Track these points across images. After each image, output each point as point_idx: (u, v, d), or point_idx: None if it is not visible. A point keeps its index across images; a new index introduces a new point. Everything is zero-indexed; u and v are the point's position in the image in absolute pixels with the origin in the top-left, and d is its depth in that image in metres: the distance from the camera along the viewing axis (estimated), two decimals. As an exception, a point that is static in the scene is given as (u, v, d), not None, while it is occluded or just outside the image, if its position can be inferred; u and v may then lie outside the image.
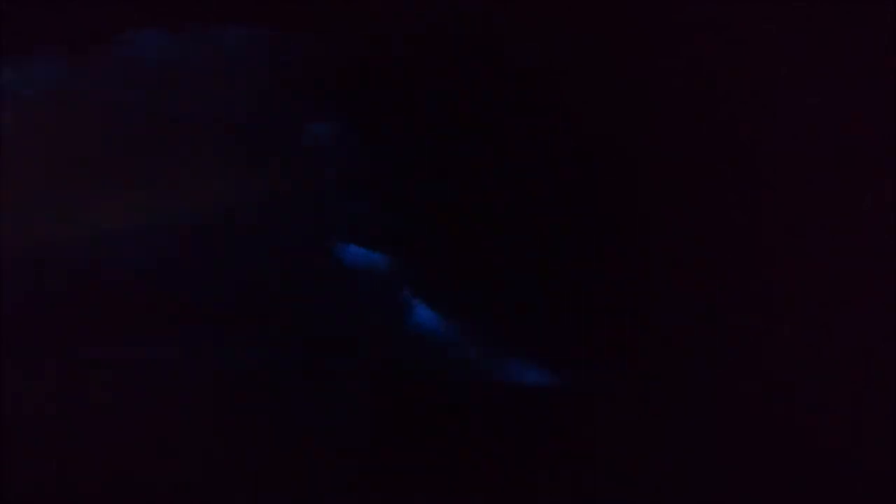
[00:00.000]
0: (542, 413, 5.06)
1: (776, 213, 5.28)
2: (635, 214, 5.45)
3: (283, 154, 5.79)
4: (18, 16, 5.72)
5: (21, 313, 5.20)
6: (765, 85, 5.35)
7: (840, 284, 5.11)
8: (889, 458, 4.66)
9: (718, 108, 5.37)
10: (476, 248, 5.61)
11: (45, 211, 5.42)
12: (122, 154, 5.69)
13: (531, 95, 5.57)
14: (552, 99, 5.56)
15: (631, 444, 4.91)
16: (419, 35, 5.63)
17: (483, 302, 5.49)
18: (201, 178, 5.64)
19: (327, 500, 4.61)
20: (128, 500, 4.50)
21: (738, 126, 5.38)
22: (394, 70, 5.69)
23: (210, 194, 5.58)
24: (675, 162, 5.40)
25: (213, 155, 5.69)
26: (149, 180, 5.65)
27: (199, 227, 5.52)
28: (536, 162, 5.54)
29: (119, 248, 5.35)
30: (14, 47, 5.77)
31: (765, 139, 5.35)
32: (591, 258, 5.46)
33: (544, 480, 4.74)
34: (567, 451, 4.89)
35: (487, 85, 5.57)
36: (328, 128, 5.88)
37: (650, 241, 5.41)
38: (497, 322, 5.44)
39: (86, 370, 4.99)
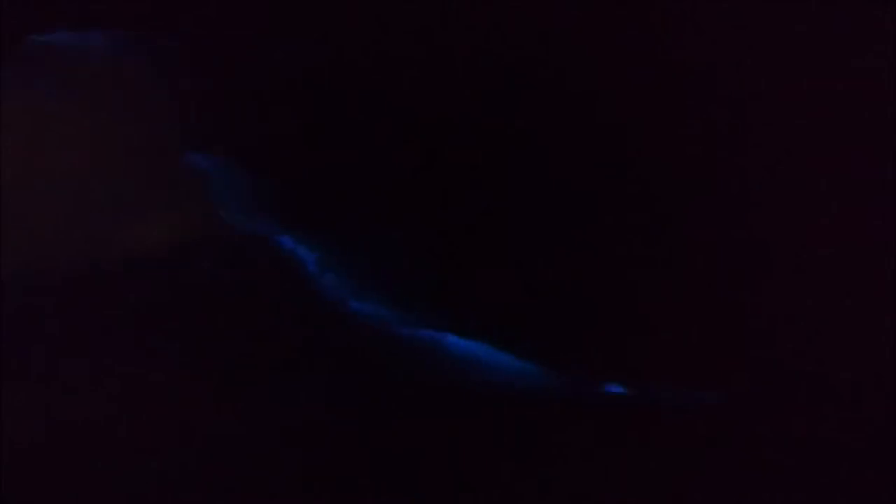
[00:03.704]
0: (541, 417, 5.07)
1: (775, 212, 5.27)
2: (635, 214, 5.45)
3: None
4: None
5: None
6: (764, 84, 5.34)
7: (840, 282, 5.11)
8: (889, 458, 4.65)
9: (718, 107, 5.37)
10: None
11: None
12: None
13: (529, 95, 5.58)
14: (552, 98, 5.57)
15: (631, 447, 4.91)
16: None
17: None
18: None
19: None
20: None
21: (738, 125, 5.38)
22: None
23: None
24: (674, 162, 5.39)
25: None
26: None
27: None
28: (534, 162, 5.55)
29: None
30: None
31: (763, 138, 5.34)
32: (590, 258, 5.46)
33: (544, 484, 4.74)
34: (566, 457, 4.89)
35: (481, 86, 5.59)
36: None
37: (650, 242, 5.40)
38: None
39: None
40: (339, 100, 5.76)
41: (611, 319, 5.42)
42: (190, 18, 5.93)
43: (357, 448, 4.86)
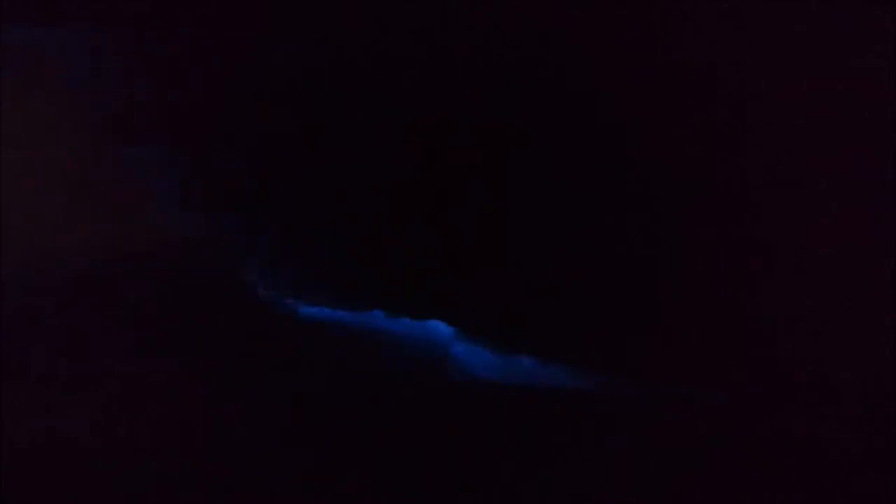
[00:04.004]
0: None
1: (775, 212, 5.28)
2: (635, 214, 5.46)
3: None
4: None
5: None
6: (764, 84, 5.35)
7: (840, 282, 5.12)
8: (889, 458, 4.66)
9: (718, 107, 5.37)
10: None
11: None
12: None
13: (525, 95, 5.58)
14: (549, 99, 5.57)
15: (630, 447, 4.91)
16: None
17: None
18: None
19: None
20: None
21: (738, 125, 5.39)
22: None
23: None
24: (674, 162, 5.40)
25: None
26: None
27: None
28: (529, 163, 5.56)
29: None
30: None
31: (763, 138, 5.35)
32: (590, 258, 5.47)
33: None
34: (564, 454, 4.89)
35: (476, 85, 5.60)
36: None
37: (650, 241, 5.42)
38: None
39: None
40: (339, 100, 5.76)
41: (610, 319, 5.42)
42: (190, 18, 5.93)
43: (357, 448, 4.86)
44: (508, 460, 4.78)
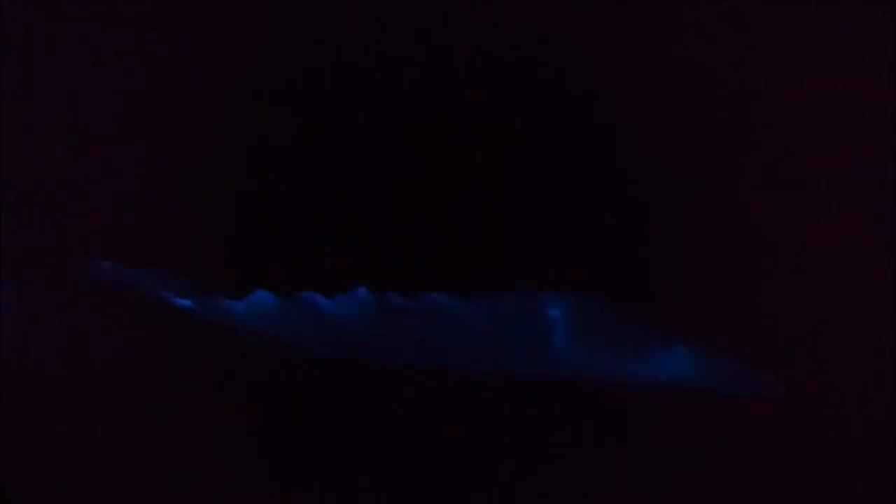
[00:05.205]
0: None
1: (775, 212, 5.28)
2: (635, 214, 5.46)
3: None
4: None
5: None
6: (764, 84, 5.35)
7: (840, 282, 5.12)
8: (889, 458, 4.66)
9: (718, 107, 5.37)
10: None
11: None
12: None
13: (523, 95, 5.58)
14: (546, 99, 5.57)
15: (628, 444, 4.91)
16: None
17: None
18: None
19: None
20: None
21: (738, 125, 5.39)
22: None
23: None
24: (674, 162, 5.40)
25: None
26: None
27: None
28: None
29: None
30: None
31: (763, 138, 5.35)
32: (590, 258, 5.47)
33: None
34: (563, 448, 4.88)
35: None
36: None
37: (649, 242, 5.41)
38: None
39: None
40: (339, 100, 5.76)
41: (610, 320, 5.42)
42: (190, 18, 5.92)
43: (357, 448, 4.86)
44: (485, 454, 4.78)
